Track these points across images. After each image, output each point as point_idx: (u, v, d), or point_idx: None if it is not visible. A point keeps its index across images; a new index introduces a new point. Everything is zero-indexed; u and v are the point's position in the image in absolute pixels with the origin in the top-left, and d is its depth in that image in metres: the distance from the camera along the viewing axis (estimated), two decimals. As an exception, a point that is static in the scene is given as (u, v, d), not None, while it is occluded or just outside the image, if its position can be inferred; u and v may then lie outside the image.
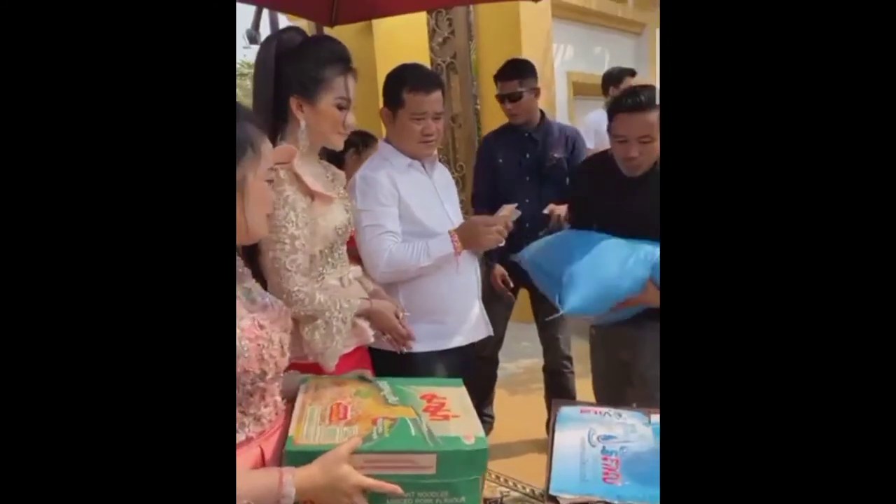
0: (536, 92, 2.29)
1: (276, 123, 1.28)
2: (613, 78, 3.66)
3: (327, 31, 2.50)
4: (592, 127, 3.77)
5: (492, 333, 1.70)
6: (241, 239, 0.89)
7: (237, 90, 1.29)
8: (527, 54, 3.94)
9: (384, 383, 1.02)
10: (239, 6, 2.28)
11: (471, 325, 1.61)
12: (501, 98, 2.26)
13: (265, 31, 2.68)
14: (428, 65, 3.34)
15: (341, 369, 1.24)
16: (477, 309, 1.63)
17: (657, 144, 1.54)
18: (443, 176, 1.69)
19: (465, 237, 1.53)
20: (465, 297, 1.59)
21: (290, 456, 0.81)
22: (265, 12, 2.72)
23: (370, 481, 0.80)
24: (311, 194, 1.23)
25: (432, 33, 4.06)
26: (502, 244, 1.59)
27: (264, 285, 1.23)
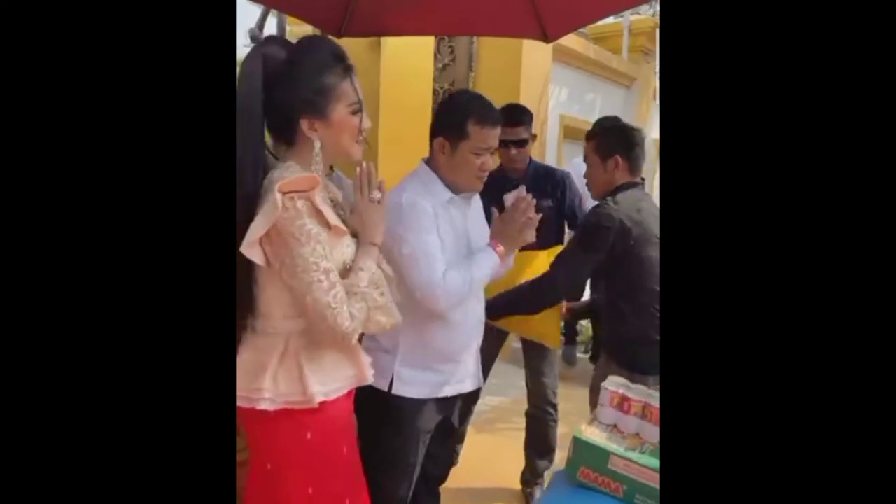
0: (534, 138, 2.24)
1: (277, 149, 1.18)
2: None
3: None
4: (579, 171, 3.82)
5: (482, 385, 1.65)
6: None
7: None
8: (524, 91, 3.99)
9: None
10: (245, 4, 2.21)
11: (463, 377, 1.55)
12: (506, 143, 2.13)
13: (271, 32, 2.60)
14: (430, 87, 3.32)
15: (336, 408, 1.15)
16: (473, 360, 1.58)
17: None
18: (476, 210, 1.60)
19: (503, 240, 1.46)
20: (466, 346, 1.53)
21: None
22: (273, 13, 2.64)
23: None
24: (328, 226, 1.11)
25: (433, 58, 4.07)
26: (534, 236, 1.49)
27: None
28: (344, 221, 1.18)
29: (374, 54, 2.89)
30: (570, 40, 4.52)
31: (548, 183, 2.23)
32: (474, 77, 4.14)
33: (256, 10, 2.75)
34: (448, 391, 1.52)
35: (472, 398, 2.34)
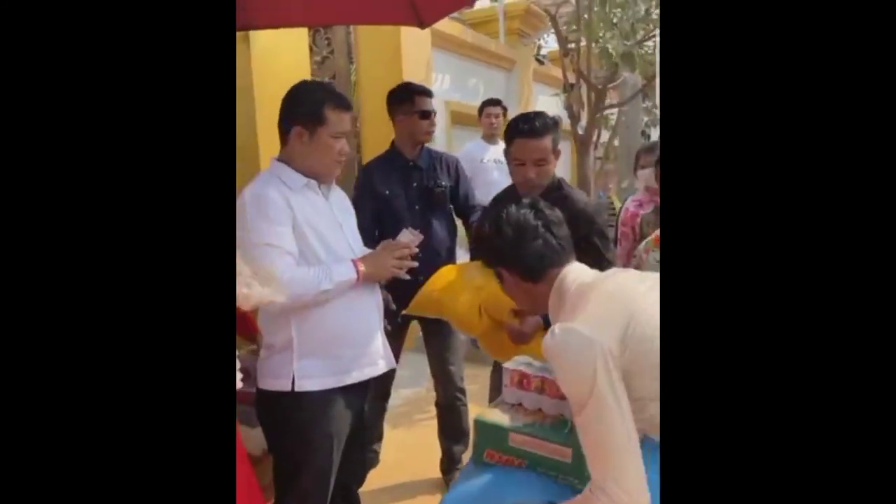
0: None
1: None
2: (481, 108, 3.86)
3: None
4: (469, 156, 3.88)
5: (394, 366, 1.62)
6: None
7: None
8: (407, 79, 3.95)
9: None
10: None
11: (370, 359, 1.50)
12: (426, 114, 2.19)
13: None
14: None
15: None
16: (377, 341, 1.53)
17: (552, 166, 1.68)
18: (340, 199, 1.59)
19: (369, 265, 1.45)
20: (364, 327, 1.49)
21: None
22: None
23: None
24: None
25: (311, 52, 3.93)
26: (405, 273, 1.52)
27: None
28: None
29: (243, 48, 2.73)
30: (447, 26, 4.54)
31: (442, 164, 2.29)
32: (355, 68, 4.05)
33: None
34: (356, 377, 1.47)
35: (383, 394, 2.30)
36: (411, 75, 4.00)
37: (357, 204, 2.14)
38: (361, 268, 1.44)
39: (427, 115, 2.20)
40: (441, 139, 4.53)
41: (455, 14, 5.88)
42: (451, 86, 4.81)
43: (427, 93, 2.24)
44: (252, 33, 2.73)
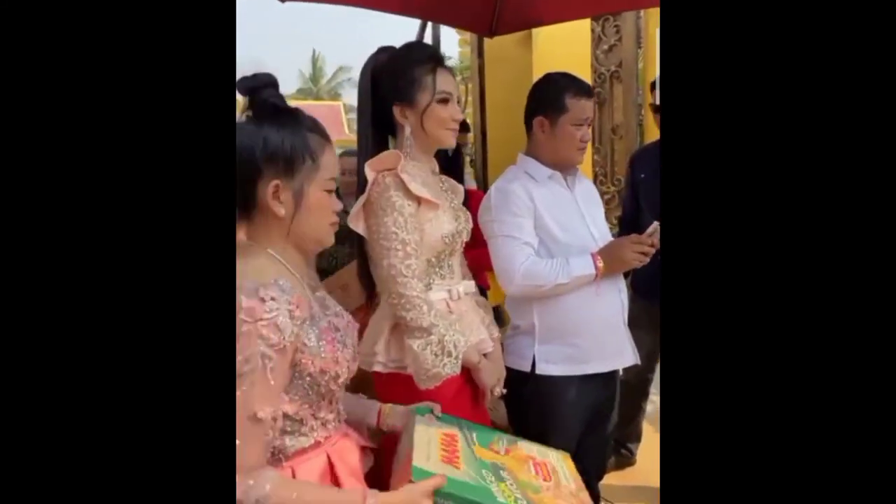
0: None
1: (385, 136, 1.35)
2: None
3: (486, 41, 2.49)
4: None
5: (638, 362, 1.56)
6: (309, 250, 0.95)
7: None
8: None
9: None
10: (403, 19, 2.37)
11: (610, 352, 1.49)
12: None
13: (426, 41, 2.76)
14: (589, 73, 3.21)
15: (446, 388, 1.21)
16: (620, 334, 1.51)
17: None
18: (586, 190, 1.60)
19: (608, 258, 1.43)
20: (606, 320, 1.47)
21: (416, 472, 0.88)
22: (429, 25, 2.80)
23: None
24: (417, 199, 1.23)
25: (598, 41, 3.91)
26: (645, 263, 1.45)
27: None
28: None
29: (525, 49, 2.89)
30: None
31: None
32: (643, 54, 3.89)
33: (413, 27, 2.92)
34: (595, 367, 1.47)
35: (640, 392, 2.21)
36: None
37: (625, 192, 2.16)
38: (600, 263, 1.41)
39: None
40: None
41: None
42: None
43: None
44: (534, 32, 2.86)
